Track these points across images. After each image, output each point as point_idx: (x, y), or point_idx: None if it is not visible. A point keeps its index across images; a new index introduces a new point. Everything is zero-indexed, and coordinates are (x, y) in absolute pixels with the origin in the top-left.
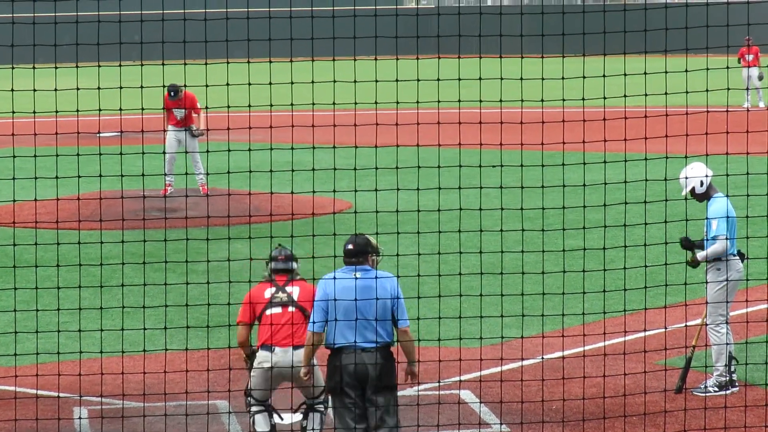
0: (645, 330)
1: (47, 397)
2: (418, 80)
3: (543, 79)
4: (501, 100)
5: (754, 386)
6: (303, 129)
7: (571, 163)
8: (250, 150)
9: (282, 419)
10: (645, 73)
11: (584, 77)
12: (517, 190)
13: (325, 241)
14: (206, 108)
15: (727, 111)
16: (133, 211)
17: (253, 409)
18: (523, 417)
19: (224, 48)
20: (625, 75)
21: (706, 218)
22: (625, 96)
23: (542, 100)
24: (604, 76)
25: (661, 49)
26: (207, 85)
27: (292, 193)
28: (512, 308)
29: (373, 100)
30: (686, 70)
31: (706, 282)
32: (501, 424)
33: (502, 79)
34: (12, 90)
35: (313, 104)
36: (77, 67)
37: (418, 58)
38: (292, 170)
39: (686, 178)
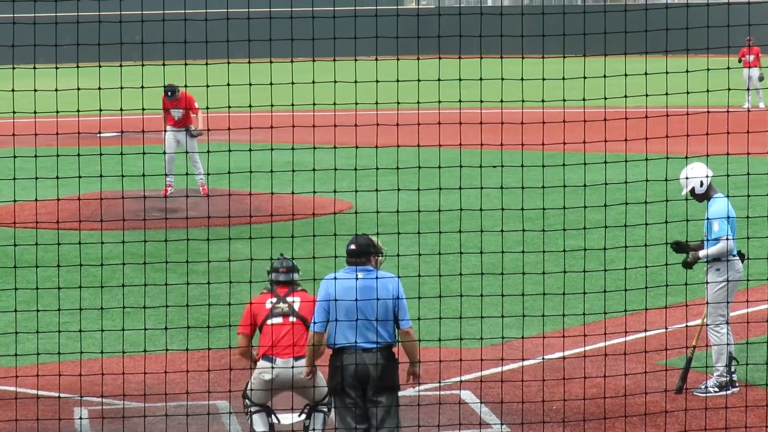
0: (645, 330)
1: (48, 398)
2: (419, 80)
3: (544, 79)
4: (502, 101)
5: (754, 386)
6: (304, 129)
7: (571, 164)
8: (250, 150)
9: (279, 421)
10: (646, 74)
11: (585, 78)
12: (518, 190)
13: (325, 242)
14: (207, 108)
15: (727, 111)
16: (133, 211)
17: (251, 409)
18: (524, 417)
19: (225, 48)
20: (626, 75)
21: (707, 218)
22: (625, 96)
23: (543, 101)
24: (605, 76)
25: (662, 49)
26: (208, 86)
27: (292, 193)
28: (513, 308)
29: (374, 100)
30: (687, 71)
31: (707, 282)
32: (501, 424)
33: (502, 79)
34: (13, 90)
35: (314, 104)
36: (78, 67)
37: (418, 59)
38: (293, 170)
39: (686, 178)
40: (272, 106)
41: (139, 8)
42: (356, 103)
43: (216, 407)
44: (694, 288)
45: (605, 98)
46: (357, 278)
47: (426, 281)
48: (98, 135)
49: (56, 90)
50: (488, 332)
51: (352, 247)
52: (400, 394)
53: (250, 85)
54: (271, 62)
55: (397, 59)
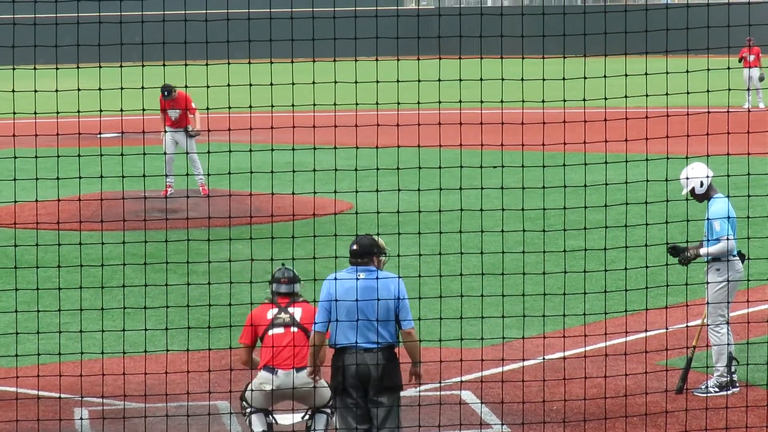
0: (646, 330)
1: (48, 398)
2: (419, 81)
3: (544, 79)
4: (502, 101)
5: (754, 387)
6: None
7: (572, 164)
8: (251, 151)
9: (277, 422)
10: (646, 74)
11: (585, 78)
12: (518, 190)
13: (326, 242)
14: (207, 109)
15: (728, 111)
16: (134, 212)
17: (249, 409)
18: (524, 417)
19: (225, 49)
20: (626, 76)
21: (707, 219)
22: (626, 96)
23: (543, 101)
24: (605, 76)
25: (662, 49)
26: (208, 86)
27: (293, 193)
28: (513, 309)
29: (374, 100)
30: (687, 71)
31: (707, 283)
32: (502, 424)
33: (503, 79)
34: (13, 91)
35: (314, 105)
36: (78, 68)
37: (419, 59)
38: (293, 171)
39: (687, 178)
40: (272, 106)
41: (139, 9)
42: (356, 104)
43: (216, 408)
44: (695, 288)
45: (605, 98)
46: (359, 278)
47: (426, 281)
48: (99, 136)
49: (56, 91)
50: (489, 332)
51: (355, 247)
52: (401, 394)
53: (251, 85)
54: (271, 63)
55: (398, 60)
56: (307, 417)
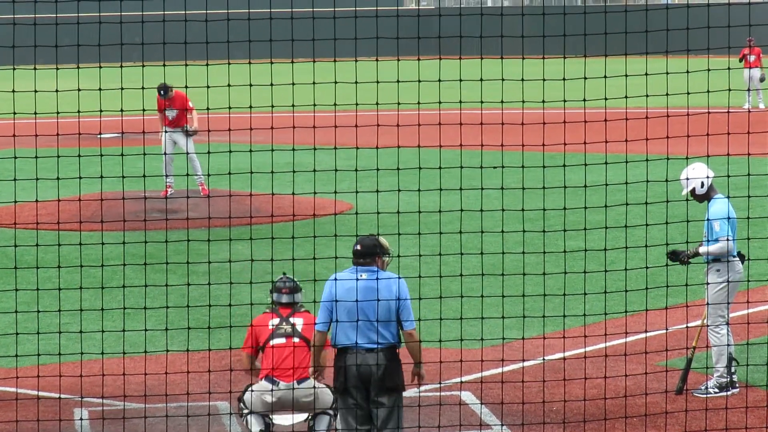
0: (646, 331)
1: (48, 399)
2: (419, 81)
3: (544, 80)
4: (502, 101)
5: (754, 387)
6: (304, 130)
7: (572, 165)
8: (251, 151)
9: (274, 425)
10: (646, 74)
11: (585, 78)
12: (518, 191)
13: (326, 243)
14: (207, 109)
15: (728, 112)
16: (134, 212)
17: (246, 410)
18: (524, 418)
19: (225, 49)
20: (626, 76)
21: (707, 219)
22: (626, 97)
23: (543, 101)
24: (605, 77)
25: (662, 50)
26: (208, 86)
27: (293, 194)
28: (513, 309)
29: (375, 101)
30: (687, 71)
31: (707, 283)
32: (502, 425)
33: (503, 80)
34: (13, 91)
35: (315, 105)
36: (78, 68)
37: (419, 59)
38: (293, 171)
39: (687, 179)
40: (273, 106)
41: (139, 9)
42: (357, 104)
43: (216, 408)
44: (695, 289)
45: (605, 99)
46: (360, 279)
47: (426, 282)
48: (99, 136)
49: (56, 91)
50: (488, 333)
51: (358, 247)
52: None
53: (251, 85)
54: (271, 63)
55: (398, 60)
56: (309, 417)
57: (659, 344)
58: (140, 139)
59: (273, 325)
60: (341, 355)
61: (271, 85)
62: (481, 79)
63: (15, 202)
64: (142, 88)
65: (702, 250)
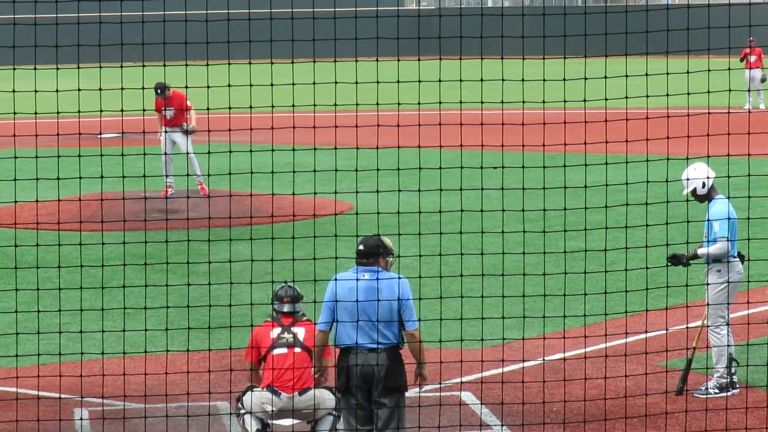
0: (646, 331)
1: (48, 398)
2: (420, 81)
3: (544, 80)
4: (502, 102)
5: (754, 388)
6: (304, 130)
7: (572, 165)
8: (251, 151)
9: (272, 427)
10: (646, 75)
11: (585, 78)
12: (519, 191)
13: (326, 243)
14: (207, 109)
15: (728, 112)
16: (134, 212)
17: (244, 410)
18: (524, 418)
19: (225, 49)
20: (626, 76)
21: (707, 219)
22: (626, 97)
23: (543, 102)
24: (605, 77)
25: (663, 50)
26: (208, 87)
27: (293, 194)
28: (513, 310)
29: (375, 101)
30: (687, 72)
31: (707, 284)
32: (502, 425)
33: (503, 80)
34: (13, 91)
35: (315, 105)
36: (78, 68)
37: (419, 60)
38: (294, 171)
39: (688, 179)
40: (273, 107)
41: (139, 9)
42: (357, 104)
43: (216, 408)
44: (695, 289)
45: (606, 99)
46: (362, 279)
47: (427, 282)
48: (99, 136)
49: (57, 91)
50: (489, 333)
51: (361, 247)
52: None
53: (251, 86)
54: (271, 63)
55: (398, 60)
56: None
57: (659, 345)
58: (140, 139)
59: (275, 335)
60: (344, 355)
61: (272, 85)
62: (482, 80)
63: (15, 202)
64: (143, 88)
65: (701, 251)
